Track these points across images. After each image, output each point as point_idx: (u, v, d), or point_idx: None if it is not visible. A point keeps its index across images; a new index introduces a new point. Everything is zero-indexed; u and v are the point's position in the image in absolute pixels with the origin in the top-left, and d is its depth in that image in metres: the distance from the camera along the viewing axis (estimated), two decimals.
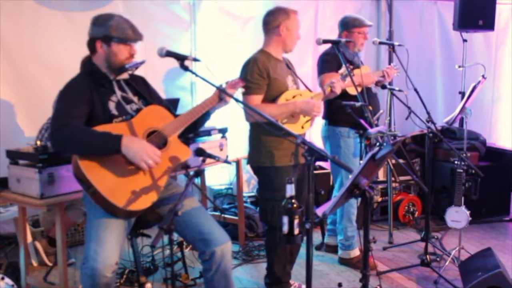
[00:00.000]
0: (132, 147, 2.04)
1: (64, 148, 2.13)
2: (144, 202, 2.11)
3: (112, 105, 2.24)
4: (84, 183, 2.08)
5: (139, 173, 2.13)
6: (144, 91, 2.41)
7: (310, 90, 2.95)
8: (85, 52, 3.31)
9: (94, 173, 2.04)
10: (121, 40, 2.22)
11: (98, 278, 1.97)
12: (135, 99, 2.36)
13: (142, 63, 2.32)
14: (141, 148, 2.06)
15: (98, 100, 2.21)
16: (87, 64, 2.30)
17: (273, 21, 2.80)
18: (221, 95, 2.31)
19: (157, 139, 2.23)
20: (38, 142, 2.66)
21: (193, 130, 2.45)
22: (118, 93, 2.29)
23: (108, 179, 2.06)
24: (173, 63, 2.17)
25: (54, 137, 2.07)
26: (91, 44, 2.28)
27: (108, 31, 2.21)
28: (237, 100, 2.13)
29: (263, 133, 2.75)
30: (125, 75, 2.36)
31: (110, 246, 2.03)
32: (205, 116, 2.40)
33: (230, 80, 2.46)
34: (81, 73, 2.31)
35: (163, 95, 3.96)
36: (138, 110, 2.30)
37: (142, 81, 2.49)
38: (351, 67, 2.84)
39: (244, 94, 2.75)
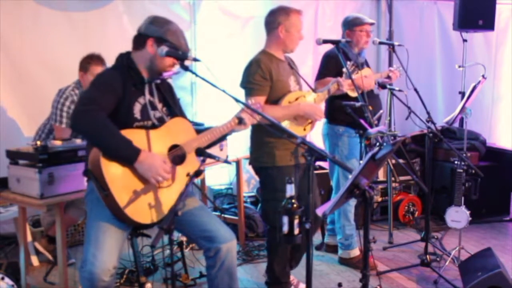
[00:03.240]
0: (145, 163, 2.05)
1: (83, 131, 2.09)
2: (152, 217, 2.12)
3: (137, 107, 2.21)
4: (98, 183, 2.05)
5: (156, 186, 2.14)
6: (169, 99, 2.39)
7: (313, 90, 2.95)
8: (85, 52, 3.35)
9: (113, 176, 2.03)
10: (173, 47, 2.16)
11: (96, 282, 1.98)
12: (160, 106, 2.33)
13: (178, 73, 2.33)
14: (152, 165, 2.06)
15: (126, 98, 2.17)
16: (124, 59, 2.25)
17: (272, 22, 2.79)
18: (241, 119, 2.33)
19: (177, 154, 2.24)
20: (38, 142, 2.65)
21: (207, 147, 2.45)
22: (147, 96, 2.26)
23: (124, 185, 2.05)
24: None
25: (77, 119, 2.03)
26: (140, 40, 2.23)
27: (164, 34, 2.18)
28: (239, 101, 2.12)
29: (264, 133, 2.75)
30: (158, 80, 2.34)
31: (108, 250, 2.03)
32: (222, 136, 2.40)
33: (250, 103, 2.44)
34: (116, 67, 2.26)
35: None
36: (159, 119, 2.28)
37: (169, 87, 2.47)
38: (353, 67, 2.86)
39: (246, 95, 2.76)
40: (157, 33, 2.19)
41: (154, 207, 2.12)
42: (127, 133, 2.09)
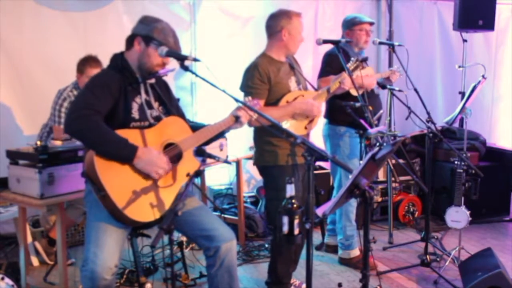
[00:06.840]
0: (144, 158, 2.06)
1: (78, 136, 2.10)
2: (151, 215, 2.11)
3: (135, 107, 2.21)
4: (95, 185, 2.05)
5: (152, 183, 2.13)
6: (165, 97, 2.38)
7: (315, 89, 2.95)
8: (85, 52, 3.35)
9: (108, 177, 2.02)
10: (160, 45, 2.16)
11: (97, 281, 1.98)
12: (156, 105, 2.32)
13: (173, 70, 2.31)
14: (151, 159, 2.07)
15: (123, 99, 2.17)
16: (118, 59, 2.25)
17: (275, 26, 2.79)
18: (238, 117, 2.31)
19: (173, 152, 2.22)
20: (38, 142, 2.66)
21: (203, 145, 2.44)
22: (143, 95, 2.26)
23: (121, 185, 2.05)
24: (173, 63, 2.17)
25: (71, 125, 2.05)
26: (130, 39, 2.25)
27: (151, 32, 2.19)
28: (239, 101, 2.12)
29: (267, 133, 2.75)
30: (152, 79, 2.33)
31: (109, 249, 2.03)
32: (219, 134, 2.39)
33: (248, 101, 2.44)
34: (112, 67, 2.26)
35: None
36: (156, 118, 2.28)
37: (165, 86, 2.46)
38: (357, 62, 2.86)
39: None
40: (144, 31, 2.20)
41: (152, 205, 2.11)
42: (121, 133, 2.09)
